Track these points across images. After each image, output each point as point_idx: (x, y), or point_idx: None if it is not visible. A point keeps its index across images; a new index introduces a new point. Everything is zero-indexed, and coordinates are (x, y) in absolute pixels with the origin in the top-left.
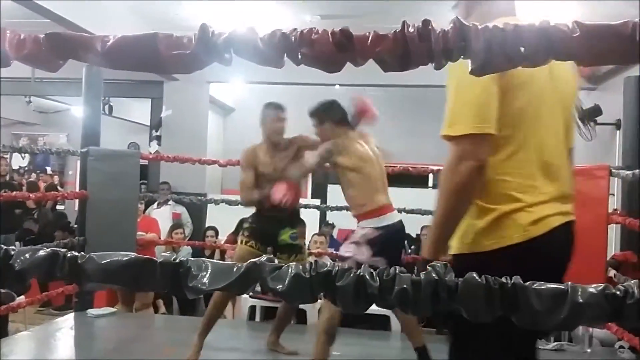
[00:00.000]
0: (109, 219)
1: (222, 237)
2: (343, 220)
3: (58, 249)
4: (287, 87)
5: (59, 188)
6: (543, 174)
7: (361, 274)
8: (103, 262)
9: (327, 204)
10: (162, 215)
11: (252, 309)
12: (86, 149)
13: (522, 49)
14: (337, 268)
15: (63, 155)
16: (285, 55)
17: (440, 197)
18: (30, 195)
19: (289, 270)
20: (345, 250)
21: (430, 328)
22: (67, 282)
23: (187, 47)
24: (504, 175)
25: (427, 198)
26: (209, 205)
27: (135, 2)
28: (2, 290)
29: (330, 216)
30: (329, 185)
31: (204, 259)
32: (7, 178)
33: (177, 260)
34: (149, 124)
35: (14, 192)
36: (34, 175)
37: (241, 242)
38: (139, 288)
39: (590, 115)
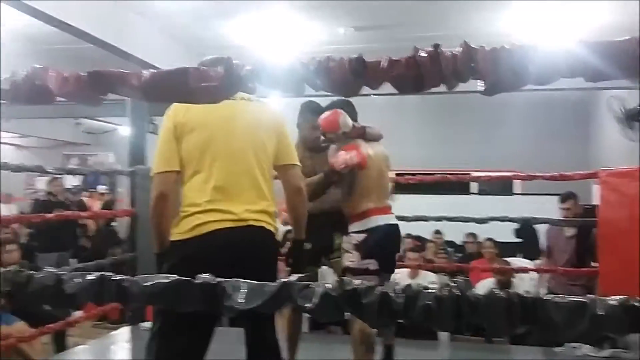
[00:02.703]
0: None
1: None
2: None
3: (105, 273)
4: (324, 99)
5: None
6: (211, 192)
7: (385, 291)
8: (145, 284)
9: None
10: None
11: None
12: (133, 168)
13: (529, 68)
14: (363, 285)
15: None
16: (306, 82)
17: (149, 212)
18: (82, 213)
19: (317, 288)
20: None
21: (478, 337)
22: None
23: (214, 79)
24: (186, 193)
25: (469, 205)
26: None
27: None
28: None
29: None
30: None
31: (238, 279)
32: (61, 198)
33: (215, 281)
34: None
35: (65, 211)
36: (85, 194)
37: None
38: (180, 308)
39: (634, 116)
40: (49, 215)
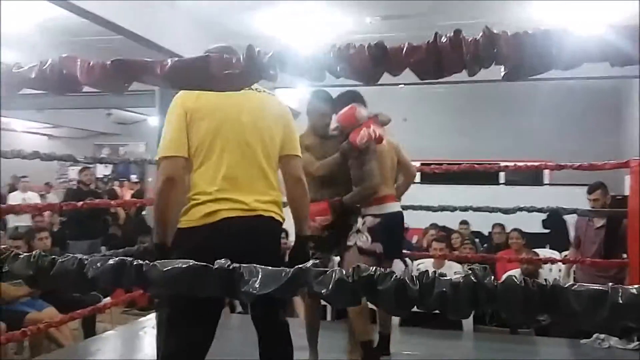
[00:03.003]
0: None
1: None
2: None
3: (125, 258)
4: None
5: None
6: (221, 181)
7: (401, 277)
8: (164, 269)
9: None
10: None
11: (324, 307)
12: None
13: (553, 51)
14: (378, 272)
15: (141, 164)
16: (327, 70)
17: (154, 198)
18: (112, 202)
19: (333, 275)
20: (348, 239)
21: (502, 328)
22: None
23: (236, 66)
24: (195, 181)
25: (499, 196)
26: None
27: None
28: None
29: None
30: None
31: (255, 265)
32: (92, 187)
33: (231, 267)
34: None
35: (97, 200)
36: (116, 184)
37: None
38: (198, 293)
39: None
40: (78, 203)
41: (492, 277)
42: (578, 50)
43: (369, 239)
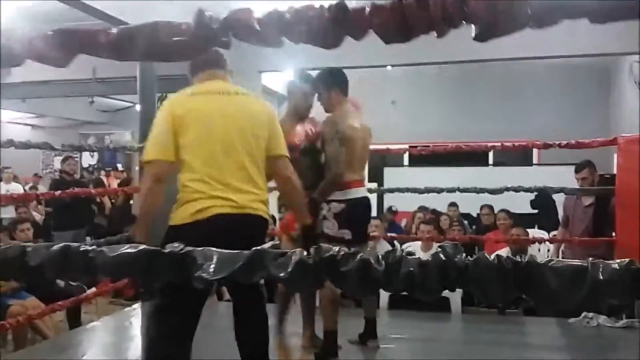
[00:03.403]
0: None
1: None
2: (398, 202)
3: (71, 244)
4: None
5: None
6: (211, 181)
7: (366, 257)
8: (113, 255)
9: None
10: None
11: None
12: (142, 144)
13: (527, 8)
14: (342, 253)
15: (126, 152)
16: (284, 35)
17: (140, 198)
18: (92, 191)
19: (293, 256)
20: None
21: (492, 309)
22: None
23: (185, 33)
24: (186, 182)
25: (487, 176)
26: None
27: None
28: (73, 284)
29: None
30: (385, 168)
31: (211, 248)
32: (77, 176)
33: (184, 250)
34: None
35: (76, 189)
36: (103, 173)
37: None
38: (149, 280)
39: None
40: (56, 193)
41: (464, 255)
42: (554, 7)
43: (336, 225)
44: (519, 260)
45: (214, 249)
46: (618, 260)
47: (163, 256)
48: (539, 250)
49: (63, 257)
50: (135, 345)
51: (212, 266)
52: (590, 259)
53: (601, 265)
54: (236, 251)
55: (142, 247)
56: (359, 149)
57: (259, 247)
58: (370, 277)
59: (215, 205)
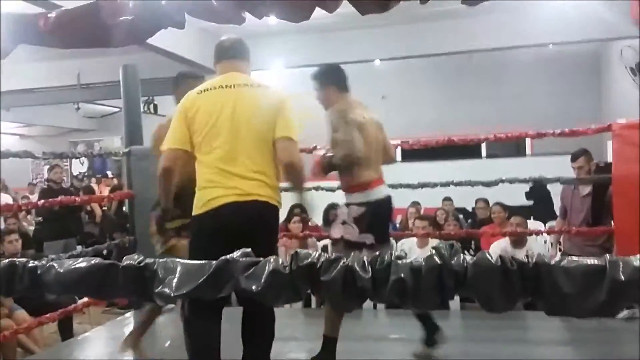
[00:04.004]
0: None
1: None
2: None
3: (18, 260)
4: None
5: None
6: (219, 170)
7: (350, 264)
8: (62, 270)
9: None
10: None
11: (308, 295)
12: (128, 149)
13: None
14: (322, 259)
15: (115, 158)
16: (247, 10)
17: (158, 179)
18: (76, 199)
19: (266, 266)
20: (334, 232)
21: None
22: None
23: (132, 12)
24: (199, 171)
25: (481, 169)
26: None
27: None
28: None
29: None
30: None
31: (174, 259)
32: (65, 185)
33: (142, 263)
34: None
35: (59, 198)
36: (93, 180)
37: None
38: (104, 297)
39: None
40: (39, 203)
41: (462, 256)
42: None
43: (356, 230)
44: (526, 261)
45: (179, 259)
46: (638, 256)
47: (119, 270)
48: (536, 240)
49: (9, 276)
50: (128, 354)
51: (175, 280)
52: (608, 255)
53: (621, 263)
54: (202, 262)
55: (96, 260)
56: (372, 139)
57: (227, 257)
58: (355, 287)
59: (222, 195)
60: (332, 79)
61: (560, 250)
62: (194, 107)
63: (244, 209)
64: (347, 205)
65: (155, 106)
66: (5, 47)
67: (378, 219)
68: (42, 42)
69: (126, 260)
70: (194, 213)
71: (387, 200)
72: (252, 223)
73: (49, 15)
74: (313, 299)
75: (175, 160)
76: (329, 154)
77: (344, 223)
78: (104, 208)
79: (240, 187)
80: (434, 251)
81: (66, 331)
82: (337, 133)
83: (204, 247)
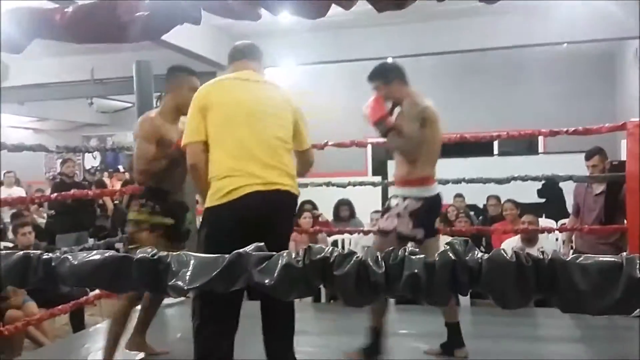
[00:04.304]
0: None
1: None
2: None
3: (32, 252)
4: (339, 65)
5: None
6: (241, 159)
7: (363, 259)
8: (77, 263)
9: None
10: None
11: (318, 290)
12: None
13: None
14: (335, 254)
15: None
16: (262, 6)
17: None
18: (89, 192)
19: (279, 260)
20: (386, 223)
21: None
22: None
23: (147, 8)
24: (215, 160)
25: (493, 166)
26: None
27: None
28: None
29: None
30: (389, 161)
31: (188, 252)
32: (77, 179)
33: (156, 257)
34: None
35: (71, 191)
36: (106, 174)
37: None
38: (117, 290)
39: None
40: (52, 196)
41: (477, 252)
42: None
43: (410, 224)
44: (541, 257)
45: (192, 253)
46: None
47: (132, 263)
48: (547, 238)
49: (24, 267)
50: (138, 354)
51: (188, 273)
52: (624, 253)
53: (638, 261)
54: (215, 255)
55: (110, 253)
56: (438, 141)
57: (240, 250)
58: (368, 282)
59: (245, 184)
60: (395, 74)
61: (572, 248)
62: (209, 99)
63: (267, 198)
64: (404, 198)
65: None
66: (21, 42)
67: (431, 215)
68: (58, 37)
69: (140, 254)
70: (211, 204)
71: (440, 197)
72: (275, 212)
73: (65, 10)
74: (323, 293)
75: (200, 154)
76: (393, 136)
77: (398, 215)
78: (115, 202)
79: (263, 176)
80: (447, 247)
81: (78, 323)
82: (409, 125)
83: (223, 238)
